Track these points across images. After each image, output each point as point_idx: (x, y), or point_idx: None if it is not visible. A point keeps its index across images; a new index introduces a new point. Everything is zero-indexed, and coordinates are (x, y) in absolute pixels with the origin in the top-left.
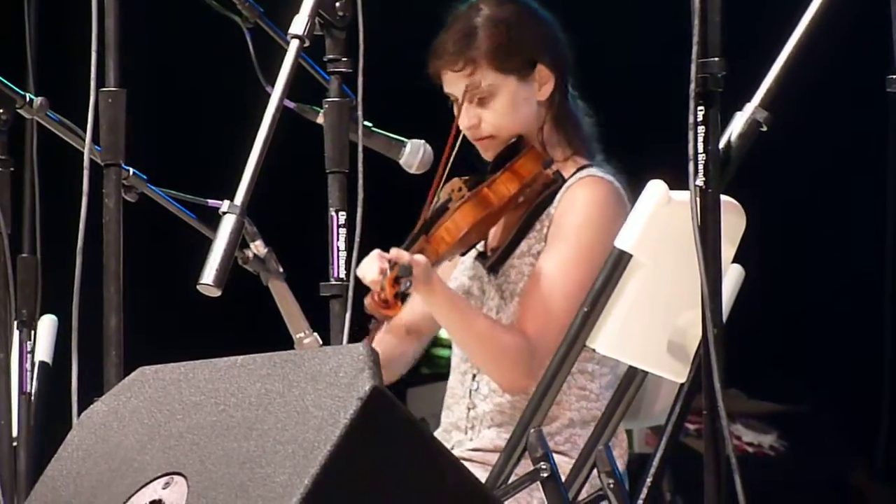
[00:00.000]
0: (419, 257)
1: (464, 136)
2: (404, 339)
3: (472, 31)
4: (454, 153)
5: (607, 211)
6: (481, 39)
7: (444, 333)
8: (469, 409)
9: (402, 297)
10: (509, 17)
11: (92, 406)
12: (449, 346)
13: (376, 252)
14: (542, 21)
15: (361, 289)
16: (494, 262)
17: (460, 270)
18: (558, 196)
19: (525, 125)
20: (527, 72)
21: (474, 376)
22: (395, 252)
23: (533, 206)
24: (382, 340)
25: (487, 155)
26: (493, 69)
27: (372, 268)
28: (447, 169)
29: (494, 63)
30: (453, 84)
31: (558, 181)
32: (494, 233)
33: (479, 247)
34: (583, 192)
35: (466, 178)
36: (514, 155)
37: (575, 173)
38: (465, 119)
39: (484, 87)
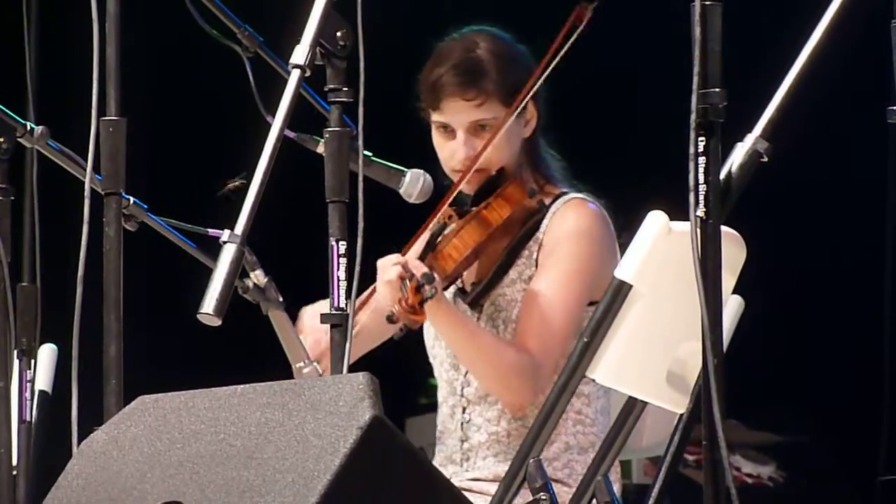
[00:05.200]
0: None
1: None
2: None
3: (478, 62)
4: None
5: (597, 228)
6: (491, 72)
7: None
8: (462, 441)
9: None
10: (508, 53)
11: (92, 435)
12: None
13: (396, 257)
14: (530, 60)
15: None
16: (476, 297)
17: None
18: (545, 222)
19: (510, 160)
20: (523, 109)
21: (464, 409)
22: (414, 263)
23: (517, 237)
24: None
25: (468, 188)
26: (500, 103)
27: (392, 270)
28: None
29: (503, 97)
30: (457, 113)
31: (542, 210)
32: (473, 267)
33: (458, 283)
34: (572, 212)
35: (455, 207)
36: (498, 185)
37: (557, 198)
38: (464, 150)
39: (489, 119)
